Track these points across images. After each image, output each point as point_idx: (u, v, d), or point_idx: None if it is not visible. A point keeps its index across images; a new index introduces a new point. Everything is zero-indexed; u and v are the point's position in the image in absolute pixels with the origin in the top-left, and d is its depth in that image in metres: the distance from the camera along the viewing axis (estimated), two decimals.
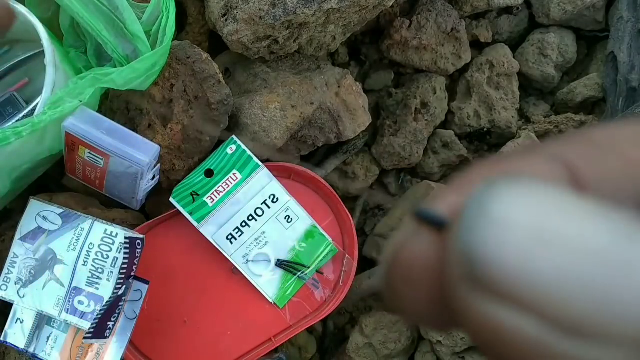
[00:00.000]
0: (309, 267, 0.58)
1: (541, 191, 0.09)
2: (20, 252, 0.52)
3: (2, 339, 0.51)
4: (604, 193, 0.12)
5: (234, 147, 0.56)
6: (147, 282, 0.53)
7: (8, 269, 0.52)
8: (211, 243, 0.56)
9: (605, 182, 0.13)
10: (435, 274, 0.10)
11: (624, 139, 0.13)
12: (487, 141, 0.72)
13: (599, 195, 0.12)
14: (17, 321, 0.51)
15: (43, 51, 0.50)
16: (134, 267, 0.51)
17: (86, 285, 0.51)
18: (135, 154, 0.49)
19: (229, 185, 0.56)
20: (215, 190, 0.55)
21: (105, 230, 0.52)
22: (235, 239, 0.56)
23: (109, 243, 0.52)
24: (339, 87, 0.61)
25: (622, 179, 0.13)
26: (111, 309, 0.49)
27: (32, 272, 0.51)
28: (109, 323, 0.49)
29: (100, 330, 0.48)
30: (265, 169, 0.56)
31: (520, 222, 0.08)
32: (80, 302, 0.51)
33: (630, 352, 0.08)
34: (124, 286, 0.50)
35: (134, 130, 0.52)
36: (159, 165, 0.54)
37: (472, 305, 0.08)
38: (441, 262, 0.10)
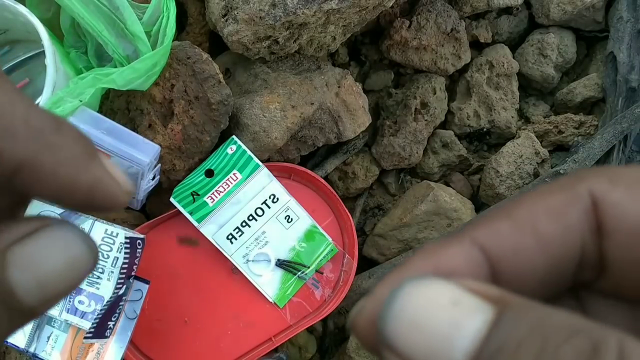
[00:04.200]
0: (309, 267, 0.58)
1: (425, 289, 0.14)
2: None
3: None
4: (518, 271, 0.16)
5: (234, 147, 0.56)
6: (147, 282, 0.53)
7: None
8: (211, 243, 0.56)
9: (518, 261, 0.16)
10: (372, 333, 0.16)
11: (538, 214, 0.16)
12: (486, 141, 0.73)
13: (512, 274, 0.16)
14: None
15: (43, 51, 0.50)
16: (135, 266, 0.51)
17: (87, 284, 0.51)
18: (136, 154, 0.49)
19: (229, 185, 0.56)
20: (216, 190, 0.56)
21: (106, 230, 0.52)
22: (236, 239, 0.56)
23: (109, 243, 0.52)
24: (339, 87, 0.61)
25: (534, 256, 0.16)
26: (112, 309, 0.49)
27: None
28: (109, 323, 0.49)
29: (100, 329, 0.48)
30: (266, 169, 0.57)
31: (407, 314, 0.14)
32: (80, 302, 0.51)
33: None
34: (125, 286, 0.50)
35: (135, 130, 0.52)
36: (159, 165, 0.54)
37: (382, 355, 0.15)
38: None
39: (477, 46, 0.72)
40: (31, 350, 0.51)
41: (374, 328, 0.15)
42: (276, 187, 0.57)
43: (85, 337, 0.48)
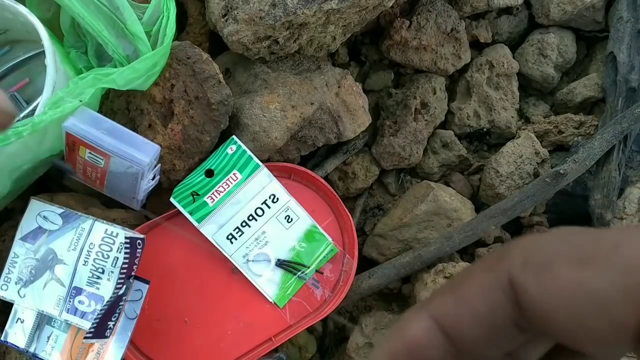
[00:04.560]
0: (309, 267, 0.58)
1: None
2: (20, 252, 0.52)
3: (2, 338, 0.51)
4: (466, 337, 0.19)
5: (234, 147, 0.56)
6: (147, 282, 0.53)
7: (9, 268, 0.52)
8: (211, 243, 0.56)
9: (462, 330, 0.19)
10: None
11: (474, 290, 0.19)
12: (486, 141, 0.73)
13: (463, 339, 0.19)
14: (17, 321, 0.51)
15: (43, 51, 0.50)
16: (135, 266, 0.51)
17: (87, 285, 0.51)
18: (136, 154, 0.49)
19: (229, 185, 0.56)
20: (216, 190, 0.56)
21: (106, 230, 0.52)
22: (236, 239, 0.56)
23: (109, 243, 0.52)
24: (339, 87, 0.61)
25: (473, 326, 0.18)
26: (112, 309, 0.49)
27: (33, 271, 0.52)
28: (109, 323, 0.49)
29: (100, 330, 0.48)
30: (266, 169, 0.57)
31: None
32: (80, 302, 0.51)
33: None
34: (125, 286, 0.50)
35: (135, 130, 0.52)
36: (159, 165, 0.54)
37: None
38: None
39: (477, 46, 0.72)
40: (31, 350, 0.51)
41: None
42: (276, 187, 0.57)
43: (85, 337, 0.48)
